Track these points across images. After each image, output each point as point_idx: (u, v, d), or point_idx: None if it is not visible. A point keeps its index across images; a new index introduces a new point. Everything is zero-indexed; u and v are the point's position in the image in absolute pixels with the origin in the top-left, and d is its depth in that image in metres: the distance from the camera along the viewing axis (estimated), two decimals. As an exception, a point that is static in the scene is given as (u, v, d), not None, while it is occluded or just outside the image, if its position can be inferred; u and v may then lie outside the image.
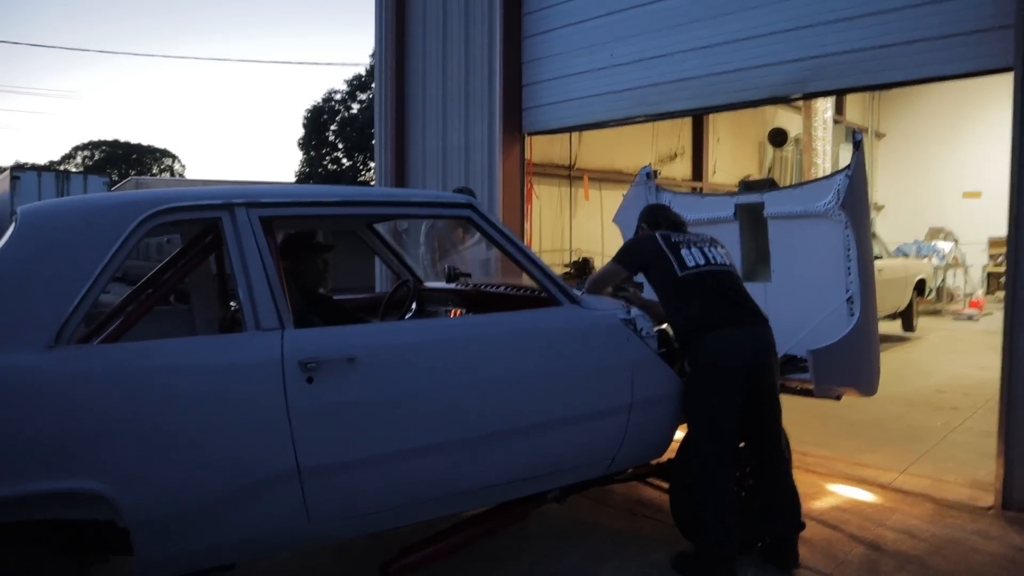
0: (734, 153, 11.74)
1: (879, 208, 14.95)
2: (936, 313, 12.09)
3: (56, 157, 57.21)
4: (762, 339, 3.19)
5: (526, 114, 6.55)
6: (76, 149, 55.50)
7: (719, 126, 11.37)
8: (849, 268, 4.03)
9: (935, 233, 13.57)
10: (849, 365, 3.93)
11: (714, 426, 3.09)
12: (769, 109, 11.78)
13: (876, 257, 7.82)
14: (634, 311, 3.22)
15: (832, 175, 4.17)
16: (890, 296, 9.43)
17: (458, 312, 3.91)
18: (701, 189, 10.89)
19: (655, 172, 5.29)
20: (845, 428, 5.38)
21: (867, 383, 4.01)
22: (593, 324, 3.04)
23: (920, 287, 10.35)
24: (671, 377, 3.22)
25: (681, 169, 10.97)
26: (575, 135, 9.18)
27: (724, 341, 3.12)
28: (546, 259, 5.49)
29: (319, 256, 3.62)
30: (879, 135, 15.46)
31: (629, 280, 3.58)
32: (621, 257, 3.46)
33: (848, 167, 3.97)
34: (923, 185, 14.78)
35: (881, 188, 14.97)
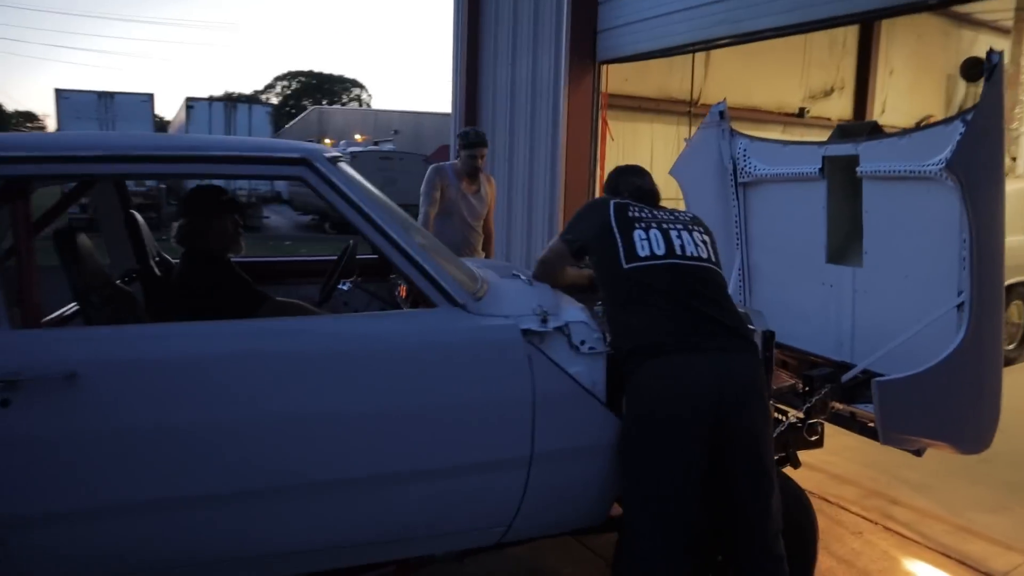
0: (913, 88, 9.53)
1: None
2: None
3: (260, 87, 61.96)
4: (734, 373, 2.09)
5: (601, 38, 5.40)
6: (276, 79, 59.84)
7: (894, 54, 9.22)
8: (964, 259, 2.68)
9: None
10: (939, 408, 2.65)
11: (655, 509, 2.06)
12: (967, 33, 9.38)
13: None
14: (572, 317, 2.22)
15: (952, 119, 2.77)
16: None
17: (404, 290, 3.07)
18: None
19: (723, 113, 4.04)
20: (965, 464, 3.89)
21: (970, 436, 2.70)
22: (470, 340, 2.08)
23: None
24: (606, 419, 2.20)
25: (839, 107, 9.08)
26: (700, 63, 7.75)
27: (669, 376, 2.05)
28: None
29: (227, 215, 2.96)
30: None
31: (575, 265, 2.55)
32: (565, 231, 2.44)
33: (970, 109, 2.58)
34: None
35: None
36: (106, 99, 18.28)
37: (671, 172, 4.24)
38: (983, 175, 2.56)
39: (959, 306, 2.72)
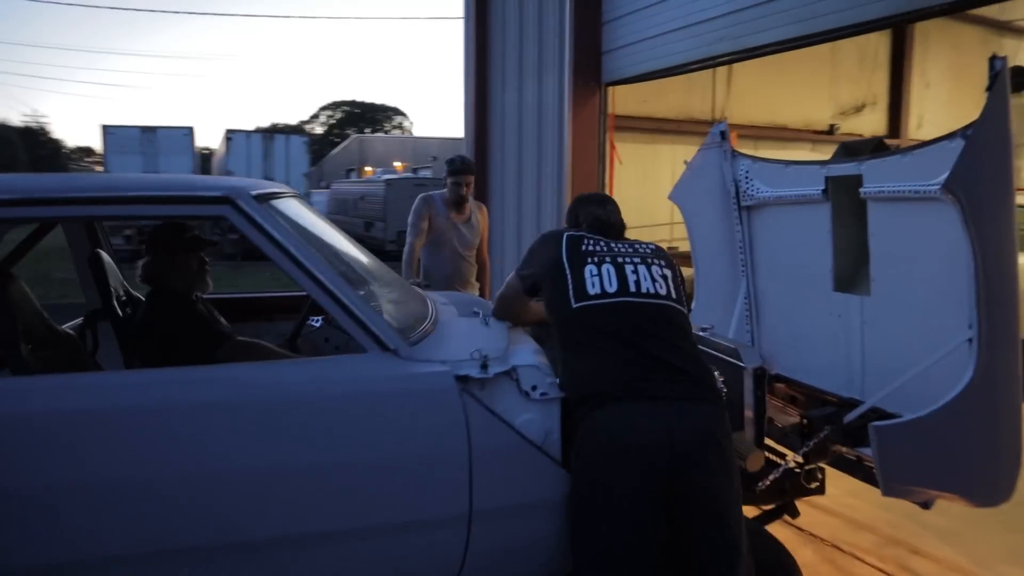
0: (952, 101, 9.09)
1: None
2: None
3: (305, 117, 63.46)
4: (688, 424, 1.87)
5: (605, 59, 5.24)
6: (321, 109, 61.24)
7: (930, 66, 8.83)
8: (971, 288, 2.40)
9: None
10: (945, 456, 2.37)
11: (603, 557, 1.85)
12: (1009, 42, 8.94)
13: None
14: (522, 360, 2.04)
15: (954, 133, 2.52)
16: None
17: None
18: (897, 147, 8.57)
19: (725, 133, 3.83)
20: (1000, 509, 3.51)
21: (983, 487, 2.41)
22: (397, 389, 1.92)
23: None
24: (556, 473, 2.00)
25: (872, 123, 8.72)
26: (721, 80, 7.53)
27: (614, 428, 1.85)
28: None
29: (191, 253, 2.87)
30: None
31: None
32: (521, 265, 2.27)
33: (972, 123, 2.34)
34: None
35: None
36: (149, 133, 18.83)
37: (670, 196, 4.03)
38: (987, 195, 2.30)
39: (970, 340, 2.45)
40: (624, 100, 6.51)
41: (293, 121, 64.37)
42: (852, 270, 3.27)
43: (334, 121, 60.06)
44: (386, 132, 56.88)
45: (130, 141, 18.58)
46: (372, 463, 1.88)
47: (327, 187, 27.27)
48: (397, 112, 61.56)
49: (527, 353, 2.11)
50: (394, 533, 1.92)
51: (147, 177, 2.14)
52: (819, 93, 8.26)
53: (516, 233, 6.02)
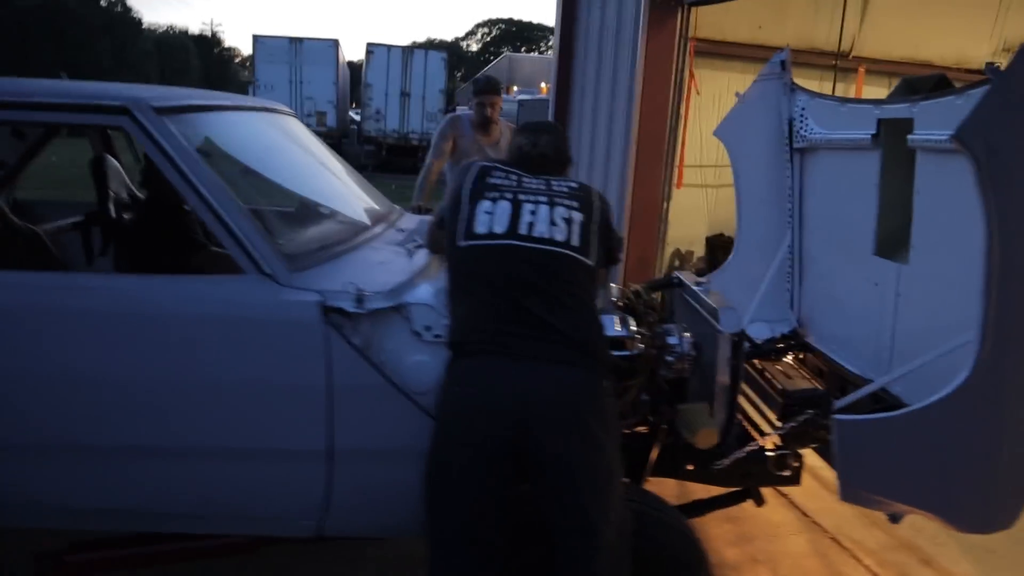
0: None
1: None
2: None
3: (460, 33, 63.66)
4: (547, 389, 1.64)
5: (691, -30, 4.70)
6: (477, 26, 61.11)
7: None
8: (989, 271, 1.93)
9: None
10: (924, 468, 1.97)
11: (444, 540, 1.70)
12: None
13: None
14: (416, 298, 1.89)
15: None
16: None
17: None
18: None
19: (785, 63, 3.34)
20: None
21: (970, 510, 2.00)
22: (260, 315, 1.82)
23: None
24: (424, 421, 1.85)
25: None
26: (854, 6, 6.61)
27: (466, 382, 1.67)
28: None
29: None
30: None
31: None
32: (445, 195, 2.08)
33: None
34: None
35: None
36: (296, 44, 19.53)
37: (715, 133, 3.60)
38: (1018, 152, 1.81)
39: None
40: (736, 26, 5.86)
41: (448, 37, 64.75)
42: (896, 233, 2.77)
43: (488, 39, 59.76)
44: (541, 52, 55.88)
45: (278, 51, 19.36)
46: (230, 386, 1.83)
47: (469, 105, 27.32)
48: (552, 31, 60.21)
49: (426, 291, 1.94)
50: (255, 459, 1.88)
51: (51, 83, 2.12)
52: (979, 24, 7.06)
53: (588, 167, 5.69)
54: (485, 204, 1.81)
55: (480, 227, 1.79)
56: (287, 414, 1.84)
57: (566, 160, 2.04)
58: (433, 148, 3.90)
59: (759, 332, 3.39)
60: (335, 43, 20.10)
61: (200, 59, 39.24)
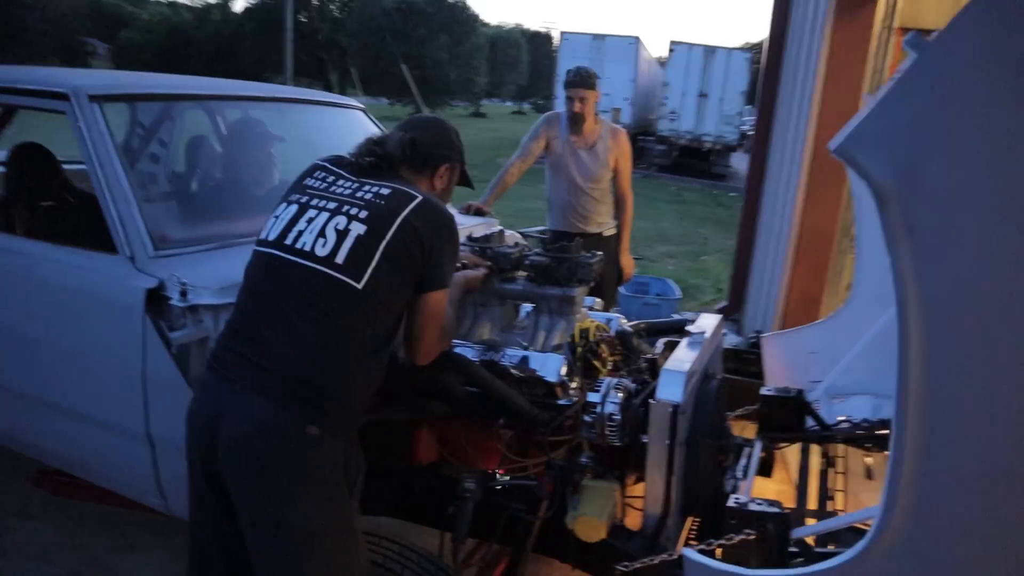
0: None
1: None
2: None
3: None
4: (236, 419, 1.46)
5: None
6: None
7: None
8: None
9: None
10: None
11: (191, 538, 1.64)
12: None
13: None
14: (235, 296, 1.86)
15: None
16: None
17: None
18: None
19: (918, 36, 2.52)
20: None
21: None
22: (96, 292, 1.95)
23: None
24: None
25: None
26: None
27: (193, 401, 1.61)
28: None
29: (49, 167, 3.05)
30: None
31: None
32: None
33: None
34: None
35: None
36: (598, 41, 19.94)
37: (832, 147, 2.85)
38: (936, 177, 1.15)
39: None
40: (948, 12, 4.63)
41: (754, 39, 60.70)
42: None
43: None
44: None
45: (581, 47, 19.94)
46: (76, 355, 2.00)
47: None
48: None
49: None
50: (101, 427, 2.01)
51: (6, 69, 2.43)
52: None
53: (775, 185, 4.95)
54: (280, 207, 1.67)
55: (263, 232, 1.66)
56: (117, 393, 1.92)
57: (424, 162, 1.76)
58: (521, 146, 3.68)
59: (857, 409, 2.65)
60: (636, 40, 20.11)
61: (529, 54, 42.26)
